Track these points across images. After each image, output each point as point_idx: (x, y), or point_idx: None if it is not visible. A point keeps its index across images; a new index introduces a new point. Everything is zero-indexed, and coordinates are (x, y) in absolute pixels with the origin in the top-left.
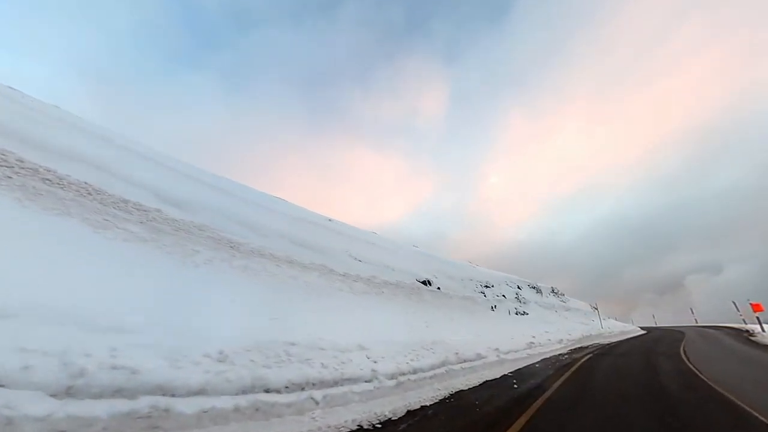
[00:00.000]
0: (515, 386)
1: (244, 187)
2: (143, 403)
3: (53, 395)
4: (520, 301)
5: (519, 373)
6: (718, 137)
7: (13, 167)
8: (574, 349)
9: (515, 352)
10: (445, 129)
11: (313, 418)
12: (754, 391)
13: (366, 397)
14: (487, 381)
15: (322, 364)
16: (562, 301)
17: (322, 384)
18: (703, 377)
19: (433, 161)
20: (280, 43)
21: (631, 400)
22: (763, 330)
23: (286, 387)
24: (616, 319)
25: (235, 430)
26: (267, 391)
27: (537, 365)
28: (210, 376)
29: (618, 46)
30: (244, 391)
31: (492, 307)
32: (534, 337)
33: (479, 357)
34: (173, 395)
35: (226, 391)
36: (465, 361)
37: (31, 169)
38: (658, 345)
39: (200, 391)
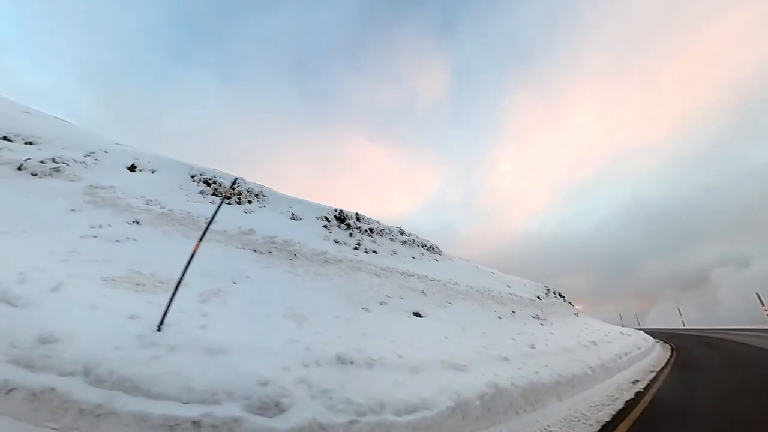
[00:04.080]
0: None
1: None
2: None
3: None
4: None
5: None
6: (754, 103)
7: None
8: None
9: None
10: (448, 113)
11: None
12: None
13: None
14: None
15: None
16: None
17: None
18: None
19: (437, 150)
20: (268, 29)
21: None
22: None
23: None
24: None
25: None
26: None
27: None
28: None
29: (637, 4)
30: None
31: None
32: None
33: None
34: None
35: None
36: None
37: None
38: None
39: None
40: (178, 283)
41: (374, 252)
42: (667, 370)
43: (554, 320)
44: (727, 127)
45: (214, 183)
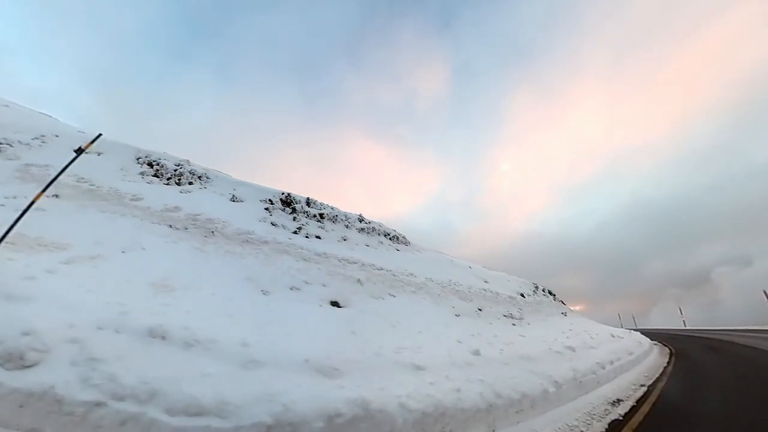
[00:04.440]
0: None
1: None
2: None
3: None
4: None
5: None
6: (755, 102)
7: None
8: None
9: None
10: (448, 113)
11: None
12: None
13: None
14: None
15: None
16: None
17: None
18: None
19: (437, 149)
20: (267, 28)
21: None
22: None
23: None
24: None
25: None
26: None
27: None
28: None
29: (637, 3)
30: None
31: None
32: None
33: None
34: None
35: None
36: None
37: None
38: None
39: None
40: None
41: (317, 237)
42: (661, 384)
43: (533, 320)
44: (729, 126)
45: (157, 164)
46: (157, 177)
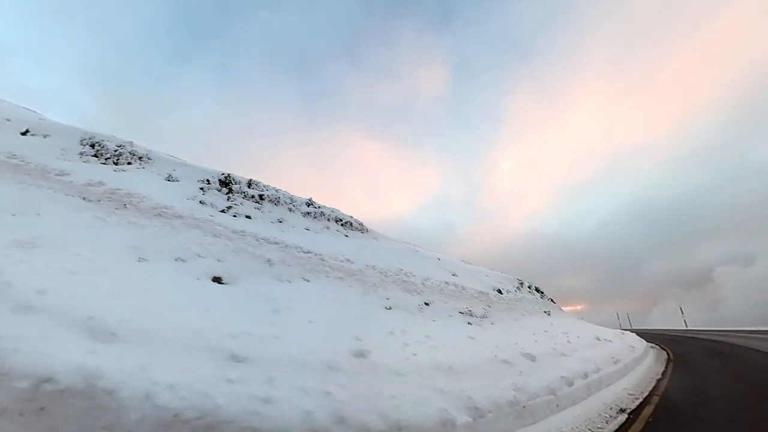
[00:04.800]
0: None
1: None
2: None
3: None
4: None
5: None
6: (757, 100)
7: None
8: None
9: None
10: (448, 112)
11: None
12: None
13: None
14: None
15: None
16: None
17: None
18: None
19: (438, 148)
20: (267, 28)
21: None
22: None
23: None
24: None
25: None
26: None
27: None
28: None
29: (638, 2)
30: None
31: None
32: None
33: None
34: None
35: None
36: None
37: None
38: None
39: None
40: None
41: (247, 217)
42: (648, 410)
43: (501, 319)
44: (730, 125)
45: (99, 146)
46: (96, 157)
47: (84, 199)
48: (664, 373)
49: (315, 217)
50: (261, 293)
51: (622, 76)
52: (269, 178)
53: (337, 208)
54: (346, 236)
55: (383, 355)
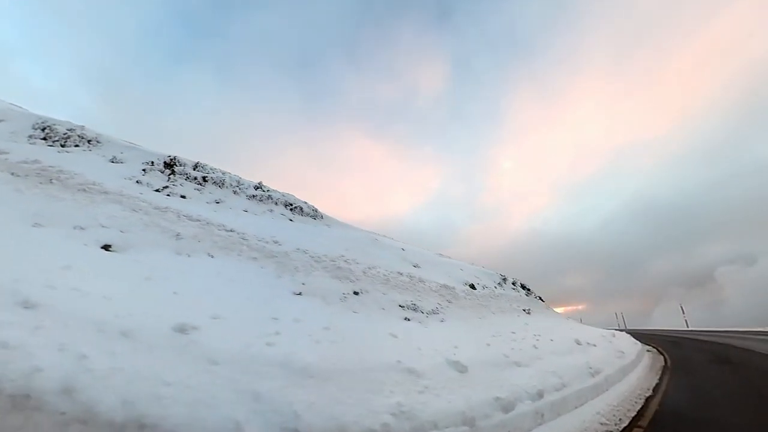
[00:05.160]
0: None
1: None
2: None
3: None
4: None
5: None
6: (760, 97)
7: None
8: None
9: None
10: (448, 111)
11: None
12: None
13: None
14: None
15: None
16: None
17: None
18: None
19: (438, 147)
20: (266, 27)
21: None
22: None
23: None
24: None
25: None
26: None
27: None
28: None
29: None
30: None
31: None
32: None
33: None
34: None
35: None
36: None
37: None
38: None
39: None
40: None
41: (182, 197)
42: None
43: (460, 317)
44: (733, 122)
45: (49, 129)
46: (45, 140)
47: (12, 174)
48: (656, 388)
49: (261, 200)
50: (145, 262)
51: (622, 75)
52: (269, 177)
53: (291, 193)
54: (291, 220)
55: (217, 338)
